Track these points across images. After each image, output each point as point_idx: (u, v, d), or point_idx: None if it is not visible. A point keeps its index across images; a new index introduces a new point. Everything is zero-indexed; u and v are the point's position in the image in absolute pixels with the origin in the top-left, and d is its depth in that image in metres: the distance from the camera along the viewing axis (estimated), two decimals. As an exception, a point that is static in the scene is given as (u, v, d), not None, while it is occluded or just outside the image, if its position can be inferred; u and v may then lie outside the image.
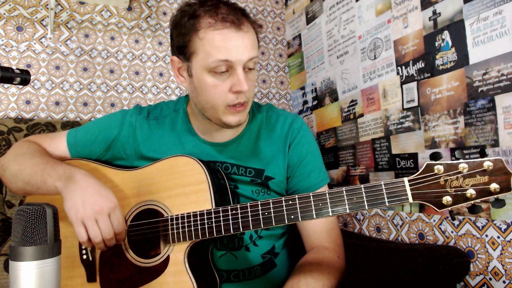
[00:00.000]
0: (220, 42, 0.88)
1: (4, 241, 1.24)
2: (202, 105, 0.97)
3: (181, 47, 0.94)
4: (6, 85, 1.52)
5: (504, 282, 1.01)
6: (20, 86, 1.54)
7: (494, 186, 0.72)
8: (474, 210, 0.75)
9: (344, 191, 0.79)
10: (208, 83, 0.92)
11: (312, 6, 1.83)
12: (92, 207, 0.84)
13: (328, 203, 0.80)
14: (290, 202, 0.82)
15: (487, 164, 0.72)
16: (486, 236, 1.05)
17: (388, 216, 1.39)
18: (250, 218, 0.85)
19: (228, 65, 0.90)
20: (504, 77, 1.00)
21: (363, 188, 0.79)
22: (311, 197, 0.81)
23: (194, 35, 0.91)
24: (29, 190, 0.96)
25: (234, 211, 0.86)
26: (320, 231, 1.02)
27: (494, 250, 1.03)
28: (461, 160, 0.75)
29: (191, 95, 1.01)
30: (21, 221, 0.52)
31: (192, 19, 0.91)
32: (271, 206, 0.83)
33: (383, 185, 0.78)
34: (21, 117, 1.53)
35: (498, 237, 1.02)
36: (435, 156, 0.76)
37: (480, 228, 1.07)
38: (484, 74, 1.05)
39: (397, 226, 1.35)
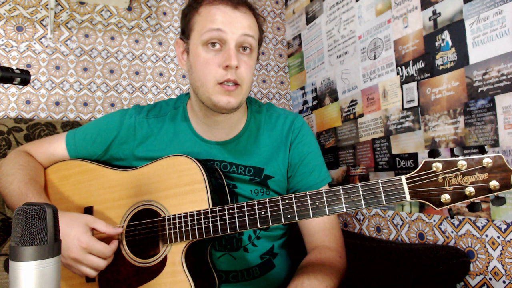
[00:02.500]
0: (215, 16, 0.92)
1: (4, 241, 1.24)
2: (196, 85, 0.97)
3: (184, 27, 0.99)
4: (6, 85, 1.52)
5: (504, 282, 1.01)
6: (20, 86, 1.54)
7: (493, 183, 0.71)
8: (473, 208, 0.73)
9: (341, 190, 0.78)
10: (201, 58, 0.94)
11: (312, 6, 1.83)
12: (68, 255, 0.86)
13: (325, 202, 0.79)
14: (287, 201, 0.82)
15: (487, 161, 0.71)
16: (486, 236, 1.05)
17: (388, 216, 1.39)
18: (246, 218, 0.84)
19: (221, 39, 0.92)
20: (504, 77, 1.00)
21: (360, 187, 0.77)
22: (308, 196, 0.80)
23: (194, 14, 0.96)
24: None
25: (230, 211, 0.86)
26: (321, 230, 1.02)
27: (494, 250, 1.03)
28: (460, 157, 0.73)
29: (189, 78, 1.02)
30: (21, 221, 0.52)
31: (195, 2, 0.97)
32: (268, 205, 0.83)
33: (380, 184, 0.76)
34: (21, 117, 1.53)
35: (498, 237, 1.02)
36: (433, 154, 0.74)
37: (480, 228, 1.07)
38: (484, 74, 1.05)
39: (397, 226, 1.35)
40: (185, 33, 0.99)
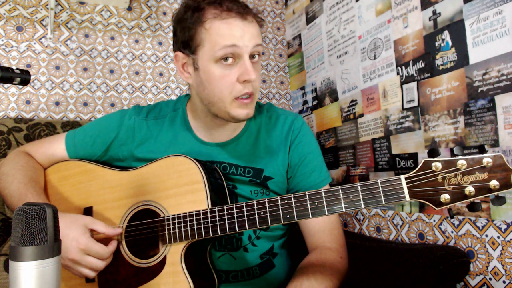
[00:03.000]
0: (226, 30, 0.89)
1: (4, 241, 1.24)
2: (209, 99, 0.95)
3: (186, 41, 0.94)
4: (6, 85, 1.52)
5: (504, 282, 1.01)
6: (20, 86, 1.54)
7: (493, 183, 0.70)
8: (473, 208, 0.73)
9: (340, 190, 0.78)
10: (216, 74, 0.91)
11: (312, 6, 1.83)
12: (67, 256, 0.86)
13: (324, 202, 0.79)
14: (286, 201, 0.81)
15: (487, 160, 0.70)
16: (486, 236, 1.05)
17: (388, 216, 1.39)
18: (246, 218, 0.84)
19: (235, 53, 0.90)
20: (504, 77, 1.00)
21: (359, 187, 0.77)
22: (307, 196, 0.80)
23: (199, 27, 0.91)
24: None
25: (229, 211, 0.86)
26: (322, 230, 1.02)
27: (494, 250, 1.03)
28: (460, 157, 0.72)
29: (197, 90, 0.99)
30: (21, 221, 0.52)
31: (196, 12, 0.92)
32: (267, 205, 0.83)
33: (379, 183, 0.76)
34: (21, 117, 1.53)
35: (498, 237, 1.02)
36: (433, 153, 0.74)
37: (480, 228, 1.07)
38: (484, 74, 1.05)
39: (397, 226, 1.35)
40: (188, 46, 0.94)
